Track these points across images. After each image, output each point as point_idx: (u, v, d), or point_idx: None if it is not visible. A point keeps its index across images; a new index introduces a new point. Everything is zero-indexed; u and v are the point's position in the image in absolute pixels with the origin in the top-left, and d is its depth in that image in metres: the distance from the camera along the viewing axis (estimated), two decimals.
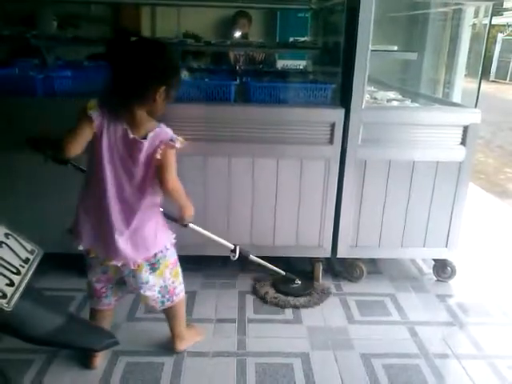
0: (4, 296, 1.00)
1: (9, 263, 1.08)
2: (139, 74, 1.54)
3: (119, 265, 1.71)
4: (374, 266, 2.82)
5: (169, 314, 1.96)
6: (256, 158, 2.42)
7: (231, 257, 2.26)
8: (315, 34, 3.78)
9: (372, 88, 2.98)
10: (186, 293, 2.45)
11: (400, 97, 2.89)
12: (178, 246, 2.43)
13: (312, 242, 2.54)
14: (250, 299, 2.46)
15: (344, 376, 1.94)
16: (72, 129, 1.58)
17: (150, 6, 4.86)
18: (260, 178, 2.45)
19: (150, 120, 1.64)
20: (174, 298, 1.89)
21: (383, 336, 2.21)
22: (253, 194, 2.47)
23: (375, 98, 2.77)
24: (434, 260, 2.72)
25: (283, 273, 2.49)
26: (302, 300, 2.43)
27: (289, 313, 2.36)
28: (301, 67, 4.14)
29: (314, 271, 2.60)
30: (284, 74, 3.13)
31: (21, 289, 1.05)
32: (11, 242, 1.14)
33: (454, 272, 2.68)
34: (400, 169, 2.46)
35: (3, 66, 2.73)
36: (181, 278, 1.93)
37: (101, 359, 1.92)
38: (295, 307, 2.39)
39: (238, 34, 4.70)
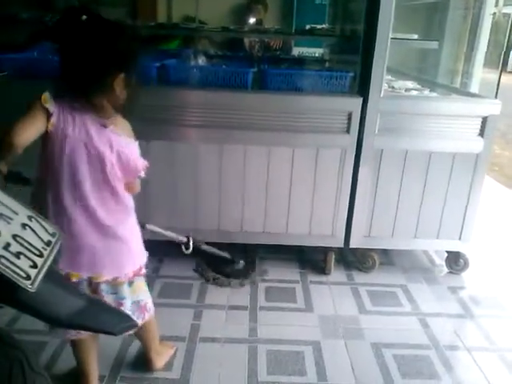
0: (28, 277, 1.02)
1: (32, 245, 1.09)
2: (95, 57, 1.33)
3: (110, 279, 1.51)
4: (386, 257, 2.82)
5: (142, 334, 1.77)
6: (272, 146, 2.41)
7: (184, 250, 2.17)
8: (333, 21, 3.74)
9: (389, 77, 2.94)
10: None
11: (419, 86, 2.86)
12: (192, 231, 2.46)
13: (325, 231, 2.54)
14: (261, 287, 2.48)
15: (354, 365, 1.95)
16: (20, 118, 1.30)
17: None
18: (275, 166, 2.44)
19: (115, 113, 1.44)
20: (146, 314, 1.66)
21: (394, 326, 2.22)
22: (267, 181, 2.46)
23: (393, 87, 2.74)
24: (447, 252, 2.71)
25: (229, 256, 2.53)
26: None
27: (300, 301, 2.37)
28: (317, 55, 4.11)
29: (326, 261, 2.60)
30: (301, 62, 3.11)
31: (43, 271, 1.06)
32: (34, 224, 1.15)
33: (466, 264, 2.67)
34: (416, 159, 2.44)
35: (22, 49, 2.74)
36: (148, 293, 1.71)
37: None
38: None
39: (252, 20, 4.67)
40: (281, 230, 2.54)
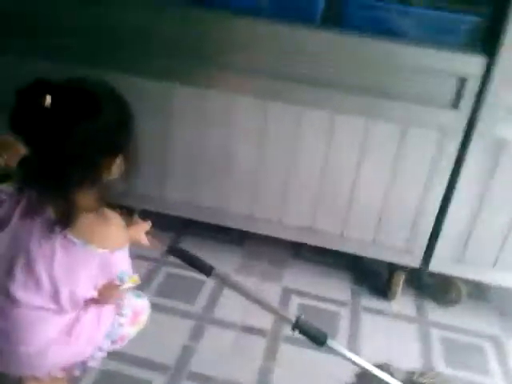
0: None
1: None
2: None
3: None
4: (478, 290, 2.02)
5: None
6: (337, 113, 1.71)
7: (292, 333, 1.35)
8: None
9: None
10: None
11: None
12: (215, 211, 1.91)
13: (397, 242, 1.83)
14: (294, 302, 1.86)
15: None
16: None
17: None
18: (338, 141, 1.75)
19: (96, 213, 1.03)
20: None
21: None
22: (326, 161, 1.78)
23: None
24: None
25: None
26: None
27: (343, 335, 1.74)
28: None
29: (391, 282, 1.90)
30: None
31: None
32: None
33: None
34: None
35: None
36: None
37: None
38: None
39: None
40: (335, 231, 1.87)
